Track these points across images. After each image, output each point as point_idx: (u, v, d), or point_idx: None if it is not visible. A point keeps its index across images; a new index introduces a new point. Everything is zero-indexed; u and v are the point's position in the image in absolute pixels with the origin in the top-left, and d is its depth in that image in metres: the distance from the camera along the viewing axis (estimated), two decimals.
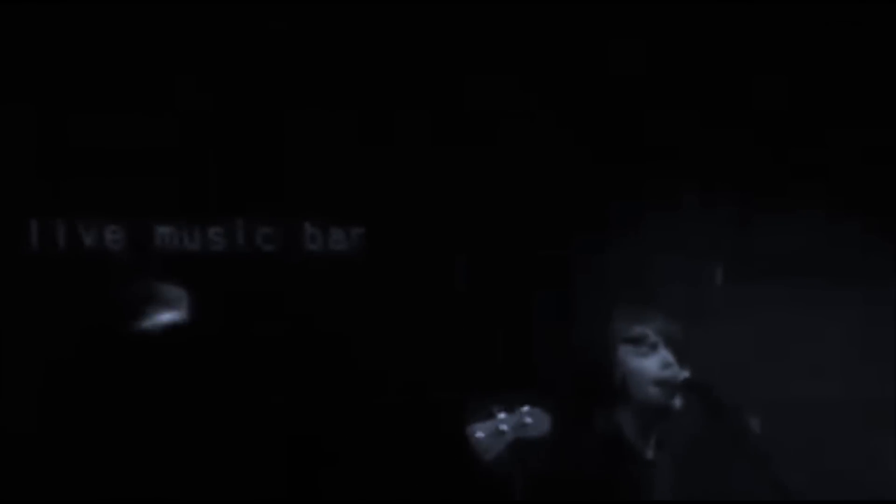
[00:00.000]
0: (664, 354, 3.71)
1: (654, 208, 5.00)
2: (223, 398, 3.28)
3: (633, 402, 3.70)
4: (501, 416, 3.40)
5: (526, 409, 3.44)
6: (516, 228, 5.00)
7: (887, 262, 5.07)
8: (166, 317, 3.45)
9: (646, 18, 5.06)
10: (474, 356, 4.78)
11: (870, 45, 5.11)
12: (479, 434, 3.37)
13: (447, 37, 4.92)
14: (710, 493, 4.36)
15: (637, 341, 3.73)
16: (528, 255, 5.00)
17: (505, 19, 4.96)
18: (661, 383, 3.68)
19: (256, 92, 4.70)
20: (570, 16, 5.01)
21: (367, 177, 4.82)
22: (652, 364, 3.70)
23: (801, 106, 5.16)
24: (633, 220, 4.99)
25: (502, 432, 3.38)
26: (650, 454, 3.73)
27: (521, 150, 5.01)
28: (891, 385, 5.01)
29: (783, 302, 5.01)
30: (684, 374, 3.68)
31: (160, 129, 4.56)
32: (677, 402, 3.69)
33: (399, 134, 4.86)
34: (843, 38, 5.10)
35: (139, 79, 4.53)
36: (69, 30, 4.47)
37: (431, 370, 4.73)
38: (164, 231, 4.53)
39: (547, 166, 5.03)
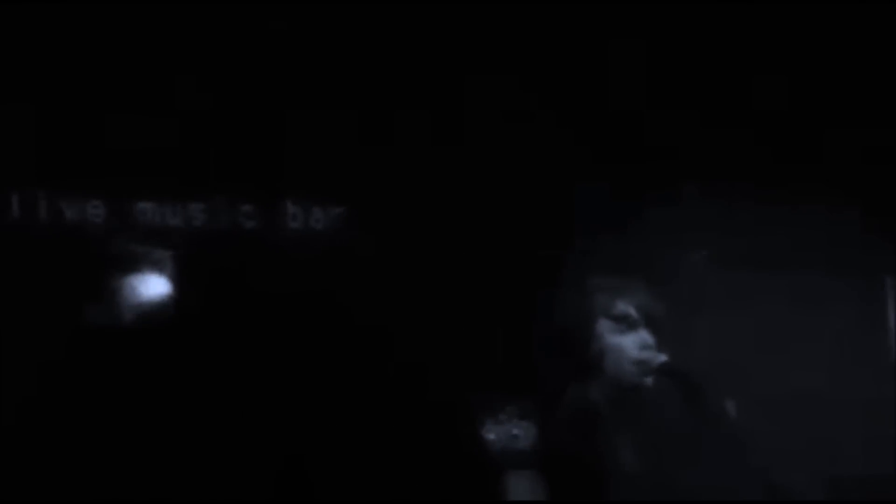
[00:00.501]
0: (643, 335, 3.71)
1: (653, 207, 5.00)
2: (201, 376, 3.29)
3: (606, 377, 3.70)
4: (490, 426, 3.41)
5: (515, 421, 3.44)
6: (516, 228, 5.00)
7: (886, 261, 5.07)
8: (154, 277, 3.46)
9: (646, 18, 5.06)
10: (471, 355, 4.77)
11: (870, 45, 5.11)
12: None
13: (447, 37, 4.93)
14: (684, 475, 4.35)
15: (619, 319, 3.73)
16: (529, 255, 5.00)
17: (505, 19, 4.97)
18: (639, 363, 3.68)
19: (244, 80, 4.71)
20: (570, 16, 5.02)
21: (364, 178, 4.83)
22: (630, 343, 3.70)
23: (801, 106, 5.16)
24: (632, 219, 4.99)
25: (490, 441, 3.39)
26: (616, 427, 3.73)
27: (520, 150, 5.01)
28: (891, 385, 5.00)
29: (780, 297, 5.02)
30: (661, 357, 3.68)
31: (152, 116, 4.58)
32: (649, 380, 3.70)
33: (397, 133, 4.87)
34: (843, 38, 5.10)
35: (122, 60, 4.54)
36: (55, 15, 4.49)
37: (420, 362, 4.72)
38: (144, 206, 4.55)
39: (547, 166, 5.04)
